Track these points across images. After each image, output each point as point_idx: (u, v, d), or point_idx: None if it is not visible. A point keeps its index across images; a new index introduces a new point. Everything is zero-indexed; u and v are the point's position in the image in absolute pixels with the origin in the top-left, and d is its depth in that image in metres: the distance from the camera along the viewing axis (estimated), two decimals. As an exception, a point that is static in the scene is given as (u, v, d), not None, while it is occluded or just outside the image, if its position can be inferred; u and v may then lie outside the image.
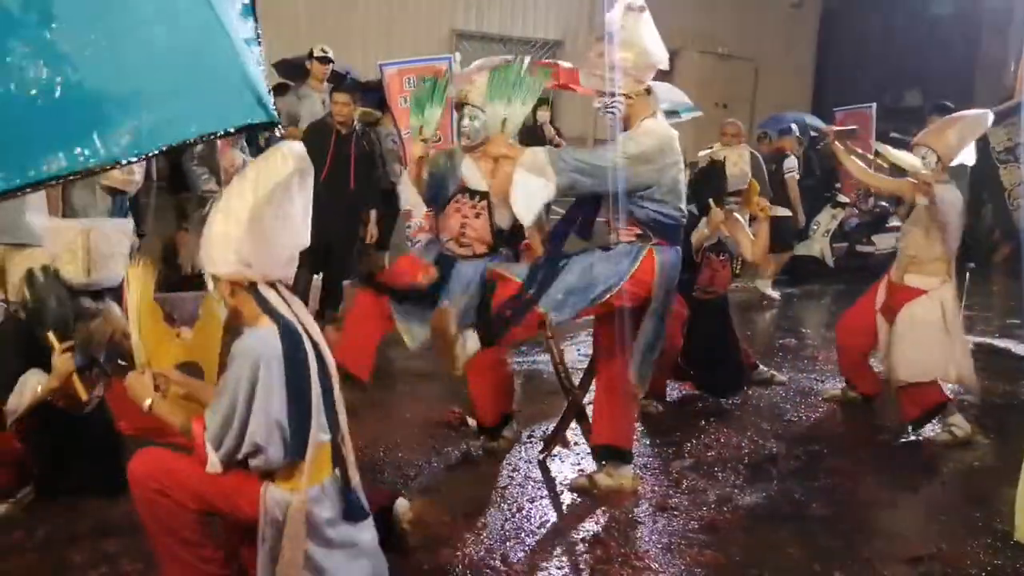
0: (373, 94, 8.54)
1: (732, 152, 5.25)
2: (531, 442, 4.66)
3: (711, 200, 5.03)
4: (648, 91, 3.83)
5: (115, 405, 3.63)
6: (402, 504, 3.17)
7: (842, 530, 3.87)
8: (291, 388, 2.56)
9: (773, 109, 12.69)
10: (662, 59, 3.81)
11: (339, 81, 8.36)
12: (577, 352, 6.26)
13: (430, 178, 4.29)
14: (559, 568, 3.44)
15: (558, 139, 8.91)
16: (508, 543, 3.62)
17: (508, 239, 4.35)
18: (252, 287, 2.62)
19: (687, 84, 13.40)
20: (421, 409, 5.08)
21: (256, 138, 7.90)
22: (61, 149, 1.67)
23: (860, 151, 5.74)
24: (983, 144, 7.48)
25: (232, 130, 1.87)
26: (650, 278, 3.84)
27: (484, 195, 4.24)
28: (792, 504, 4.15)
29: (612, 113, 3.78)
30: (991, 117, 5.26)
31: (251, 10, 2.06)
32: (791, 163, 8.93)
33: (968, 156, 5.11)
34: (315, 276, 5.98)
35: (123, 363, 3.42)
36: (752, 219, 5.36)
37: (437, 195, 4.32)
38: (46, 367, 3.34)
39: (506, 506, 3.97)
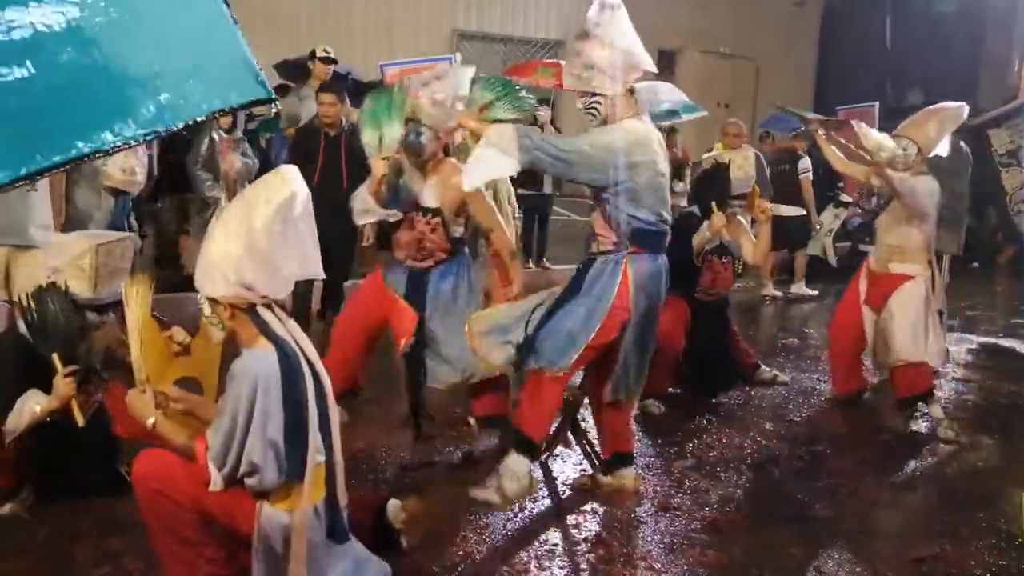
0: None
1: (737, 155, 5.24)
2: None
3: (713, 204, 5.01)
4: (631, 91, 3.71)
5: (112, 409, 3.62)
6: (393, 505, 3.17)
7: (845, 531, 3.86)
8: (288, 410, 2.57)
9: (774, 109, 12.65)
10: (642, 59, 3.67)
11: (339, 82, 8.36)
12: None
13: (392, 193, 4.31)
14: (561, 568, 3.43)
15: (559, 138, 8.91)
16: (510, 543, 3.61)
17: (462, 240, 4.39)
18: (251, 309, 2.62)
19: (688, 83, 13.44)
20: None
21: (258, 139, 7.93)
22: (93, 128, 1.83)
23: (844, 141, 5.75)
24: (985, 146, 7.48)
25: (235, 106, 2.05)
26: (624, 291, 3.70)
27: (437, 211, 4.27)
28: (795, 504, 4.13)
29: (592, 114, 3.68)
30: (966, 110, 5.35)
31: None
32: (805, 164, 8.96)
33: (943, 148, 5.23)
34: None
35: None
36: (753, 221, 5.35)
37: (391, 208, 4.36)
38: (45, 385, 3.34)
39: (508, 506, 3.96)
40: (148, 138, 1.93)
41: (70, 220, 5.27)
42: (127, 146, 1.88)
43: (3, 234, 4.49)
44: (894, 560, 3.61)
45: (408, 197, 4.30)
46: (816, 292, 9.25)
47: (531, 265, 9.48)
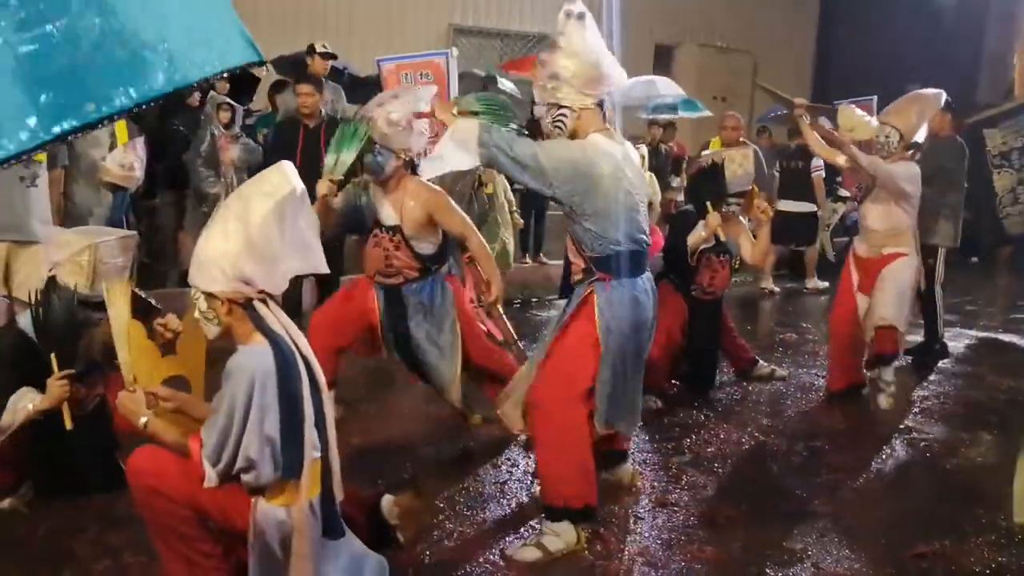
0: (371, 89, 8.52)
1: (737, 153, 5.21)
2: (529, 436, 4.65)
3: (708, 203, 5.01)
4: (600, 105, 3.48)
5: (114, 403, 3.62)
6: (387, 500, 3.17)
7: (843, 526, 3.85)
8: (285, 405, 2.57)
9: (772, 102, 12.65)
10: (611, 72, 3.41)
11: (338, 77, 8.36)
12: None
13: (351, 210, 4.40)
14: (558, 563, 3.42)
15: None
16: (507, 538, 3.61)
17: (435, 259, 4.40)
18: (248, 304, 2.62)
19: (686, 77, 13.45)
20: (419, 404, 5.08)
21: (255, 134, 7.93)
22: (115, 87, 1.99)
23: (828, 128, 5.79)
24: (979, 145, 7.48)
25: (232, 68, 2.17)
26: (590, 325, 3.46)
27: (397, 228, 4.30)
28: (793, 500, 4.13)
29: (558, 127, 3.47)
30: (944, 96, 5.44)
31: None
32: (818, 161, 8.97)
33: (922, 134, 5.37)
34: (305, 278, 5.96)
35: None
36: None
37: (356, 228, 4.43)
38: (43, 382, 3.34)
39: (505, 501, 3.97)
40: (165, 95, 2.07)
41: (70, 216, 5.28)
42: (147, 105, 2.04)
43: (3, 230, 4.49)
44: (893, 556, 3.61)
45: (372, 215, 4.37)
46: (828, 284, 9.28)
47: (528, 260, 9.49)
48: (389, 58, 6.82)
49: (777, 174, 9.69)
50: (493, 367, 4.54)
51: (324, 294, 6.55)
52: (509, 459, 4.39)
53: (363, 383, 5.40)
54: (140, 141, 5.52)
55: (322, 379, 2.77)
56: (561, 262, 7.26)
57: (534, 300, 8.27)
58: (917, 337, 6.64)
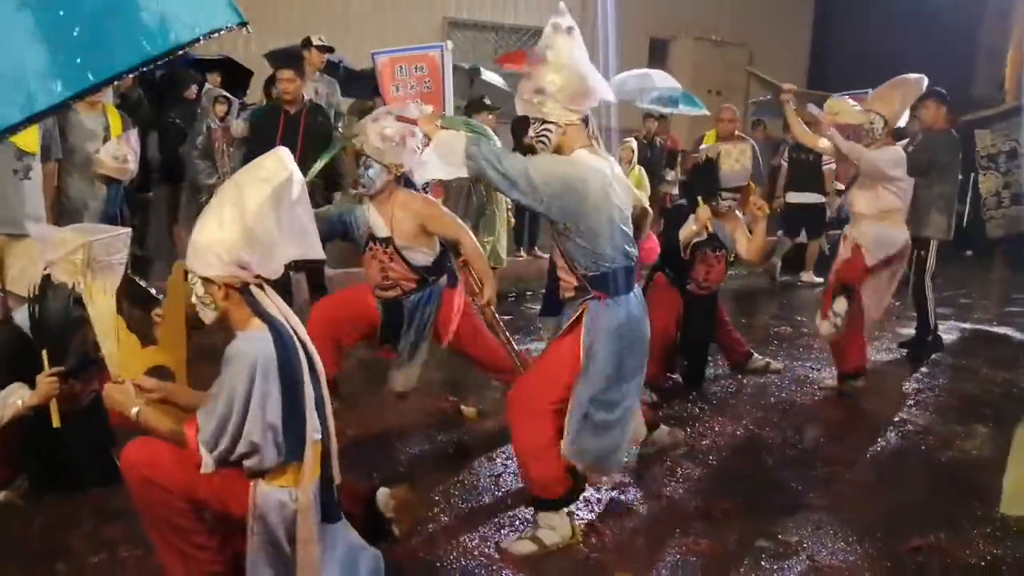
0: (365, 82, 8.51)
1: (735, 147, 5.19)
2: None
3: (699, 198, 5.02)
4: (585, 121, 3.38)
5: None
6: (383, 493, 3.18)
7: (839, 519, 3.86)
8: (285, 390, 2.57)
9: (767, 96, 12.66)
10: (597, 87, 3.33)
11: (333, 71, 8.32)
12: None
13: (336, 217, 4.43)
14: (553, 556, 3.43)
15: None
16: (503, 530, 3.62)
17: (433, 271, 4.41)
18: (244, 289, 2.62)
19: (681, 71, 13.43)
20: (416, 398, 5.06)
21: (251, 124, 7.90)
22: (126, 49, 2.20)
23: (815, 115, 5.80)
24: (969, 145, 7.49)
25: (218, 29, 2.36)
26: (575, 343, 3.39)
27: (389, 240, 4.32)
28: (788, 493, 4.14)
29: (543, 142, 3.37)
30: (925, 81, 5.50)
31: None
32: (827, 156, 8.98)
33: (904, 120, 5.48)
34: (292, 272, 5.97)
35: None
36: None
37: (332, 236, 4.43)
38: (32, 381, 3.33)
39: (500, 494, 3.97)
40: (159, 58, 2.27)
41: (65, 210, 5.25)
42: (151, 64, 2.28)
43: None
44: (889, 549, 3.62)
45: (366, 228, 4.39)
46: (823, 280, 9.26)
47: (523, 253, 9.49)
48: (384, 51, 6.79)
49: (785, 164, 9.72)
50: (495, 364, 4.64)
51: (313, 291, 6.56)
52: (504, 452, 4.39)
53: (359, 376, 5.40)
54: (134, 133, 5.49)
55: (319, 362, 2.76)
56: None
57: (528, 293, 8.27)
58: (909, 330, 6.64)
